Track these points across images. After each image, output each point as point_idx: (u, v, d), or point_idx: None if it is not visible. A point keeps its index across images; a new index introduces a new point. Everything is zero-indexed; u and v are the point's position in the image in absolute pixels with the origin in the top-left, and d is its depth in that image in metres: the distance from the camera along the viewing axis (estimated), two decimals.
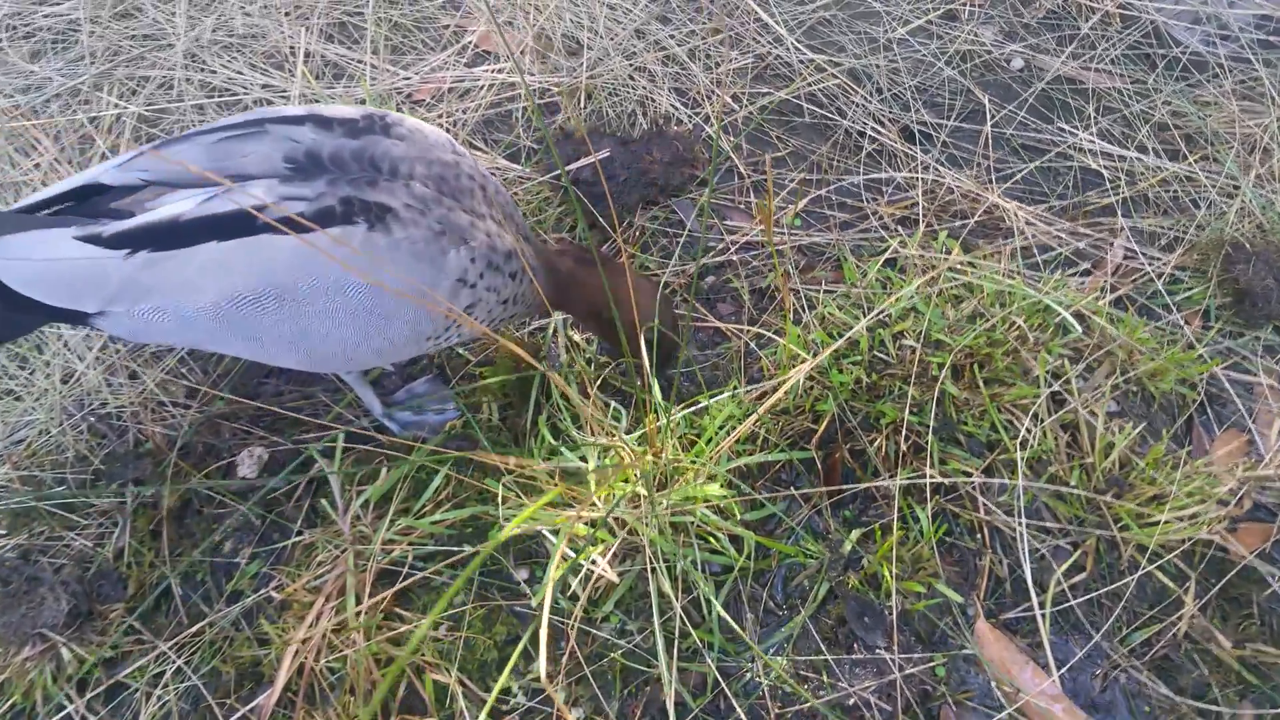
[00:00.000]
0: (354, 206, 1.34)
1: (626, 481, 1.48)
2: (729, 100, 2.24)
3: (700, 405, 1.62)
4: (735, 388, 1.74)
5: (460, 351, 1.85)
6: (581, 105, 2.24)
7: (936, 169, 2.12)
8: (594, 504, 1.48)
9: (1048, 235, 2.01)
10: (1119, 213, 2.07)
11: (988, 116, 2.25)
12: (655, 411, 1.47)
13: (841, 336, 1.71)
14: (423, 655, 1.43)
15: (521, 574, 1.55)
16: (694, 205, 2.10)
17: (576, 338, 1.84)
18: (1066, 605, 1.53)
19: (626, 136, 2.18)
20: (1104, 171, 2.17)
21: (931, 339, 1.69)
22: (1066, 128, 2.25)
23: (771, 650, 1.51)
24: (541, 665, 1.07)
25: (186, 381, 1.79)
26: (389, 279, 1.35)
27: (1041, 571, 1.56)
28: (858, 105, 2.27)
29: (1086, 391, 1.71)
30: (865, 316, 1.74)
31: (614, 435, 1.50)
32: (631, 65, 2.31)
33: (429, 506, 1.59)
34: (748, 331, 1.84)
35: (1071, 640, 1.52)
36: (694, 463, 1.51)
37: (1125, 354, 1.77)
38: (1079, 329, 1.65)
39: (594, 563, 1.48)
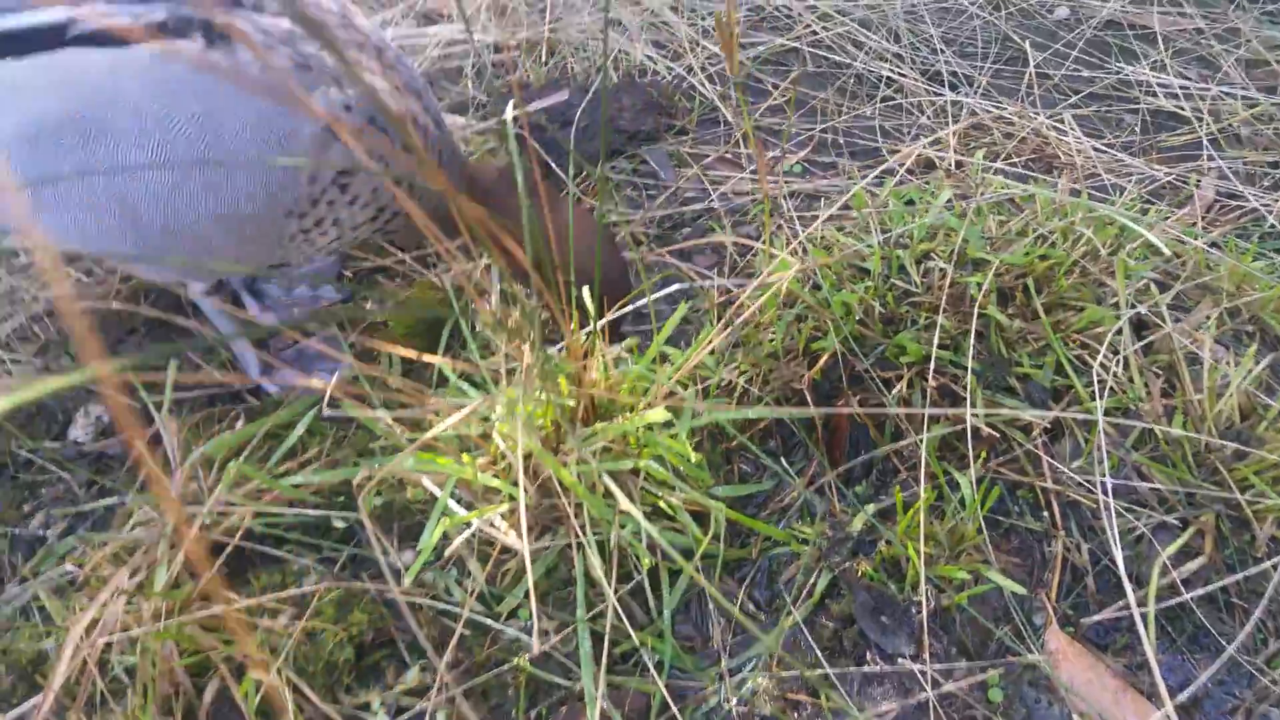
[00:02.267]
0: (192, 24, 1.01)
1: (540, 410, 1.06)
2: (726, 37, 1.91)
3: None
4: (710, 317, 1.33)
5: (369, 306, 1.48)
6: (543, 60, 1.92)
7: (972, 104, 1.74)
8: (498, 448, 1.07)
9: (1115, 169, 1.60)
10: (1205, 150, 1.66)
11: (1030, 60, 1.88)
12: (574, 317, 1.07)
13: (847, 260, 1.30)
14: (243, 650, 1.00)
15: (405, 556, 1.12)
16: (668, 155, 1.74)
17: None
18: (1178, 602, 1.05)
19: (589, 85, 1.84)
20: (1181, 110, 1.77)
21: (967, 259, 1.27)
22: (1130, 68, 1.87)
23: (749, 665, 1.05)
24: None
25: (31, 343, 1.43)
26: (230, 110, 1.00)
27: (1139, 560, 1.09)
28: (870, 50, 1.92)
29: (1182, 325, 1.27)
30: (878, 236, 1.33)
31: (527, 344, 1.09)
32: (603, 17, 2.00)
33: (292, 466, 1.19)
34: (728, 266, 1.44)
35: (1190, 658, 1.04)
36: (634, 389, 1.09)
37: (1233, 286, 1.33)
38: (1165, 250, 1.22)
39: (493, 527, 1.05)
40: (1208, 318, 1.28)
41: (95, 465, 1.26)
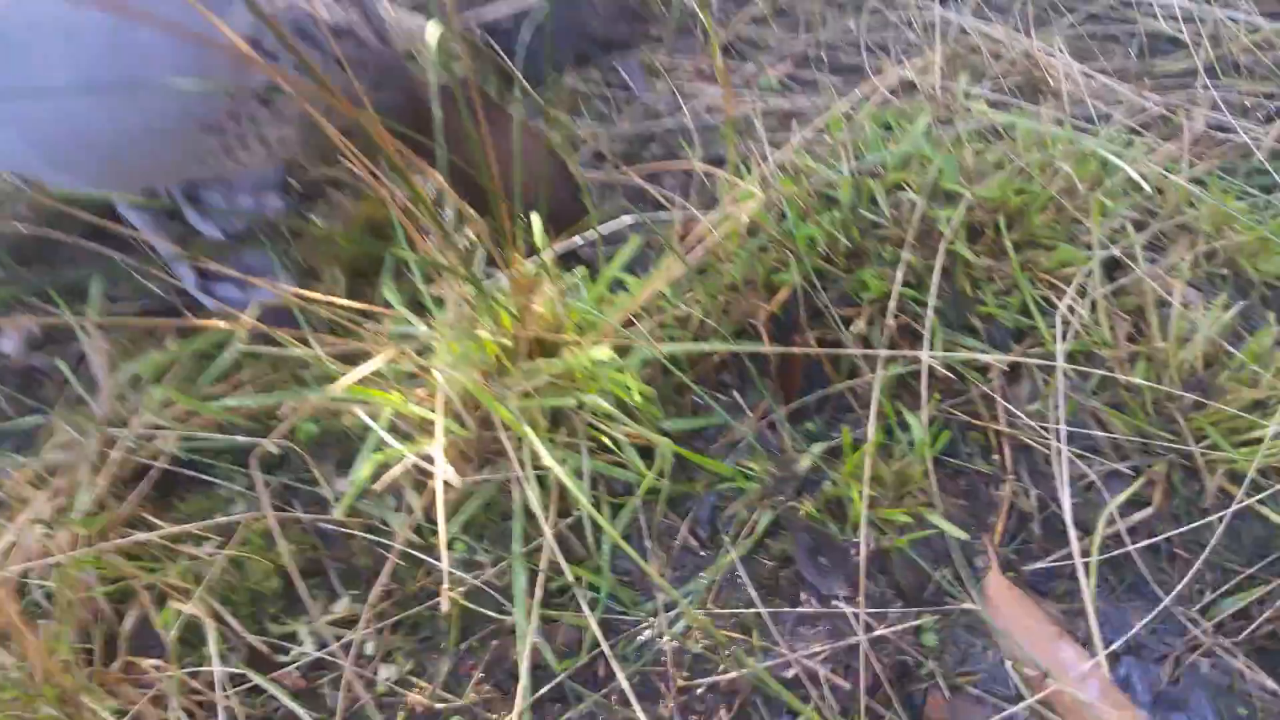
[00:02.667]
0: None
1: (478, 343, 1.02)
2: None
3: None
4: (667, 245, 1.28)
5: (313, 218, 1.42)
6: None
7: (961, 20, 1.65)
8: (435, 376, 1.03)
9: (1104, 97, 1.53)
10: (1201, 78, 1.59)
11: None
12: (518, 240, 1.02)
13: (815, 189, 1.25)
14: (166, 577, 0.98)
15: (340, 484, 1.10)
16: (641, 66, 1.65)
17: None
18: (1122, 552, 1.04)
19: None
20: (1180, 35, 1.68)
21: (940, 192, 1.22)
22: None
23: (685, 601, 1.03)
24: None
25: None
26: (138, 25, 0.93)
27: (1087, 508, 1.07)
28: None
29: (1155, 268, 1.23)
30: (851, 163, 1.27)
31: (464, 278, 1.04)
32: None
33: (224, 388, 1.15)
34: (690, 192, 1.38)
35: (1129, 606, 1.03)
36: (582, 323, 1.05)
37: (1212, 228, 1.28)
38: (1146, 187, 1.17)
39: (428, 461, 1.03)
40: (1182, 259, 1.24)
41: (23, 380, 1.22)
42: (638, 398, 1.07)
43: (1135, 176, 1.12)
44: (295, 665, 0.96)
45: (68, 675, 0.88)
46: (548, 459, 0.92)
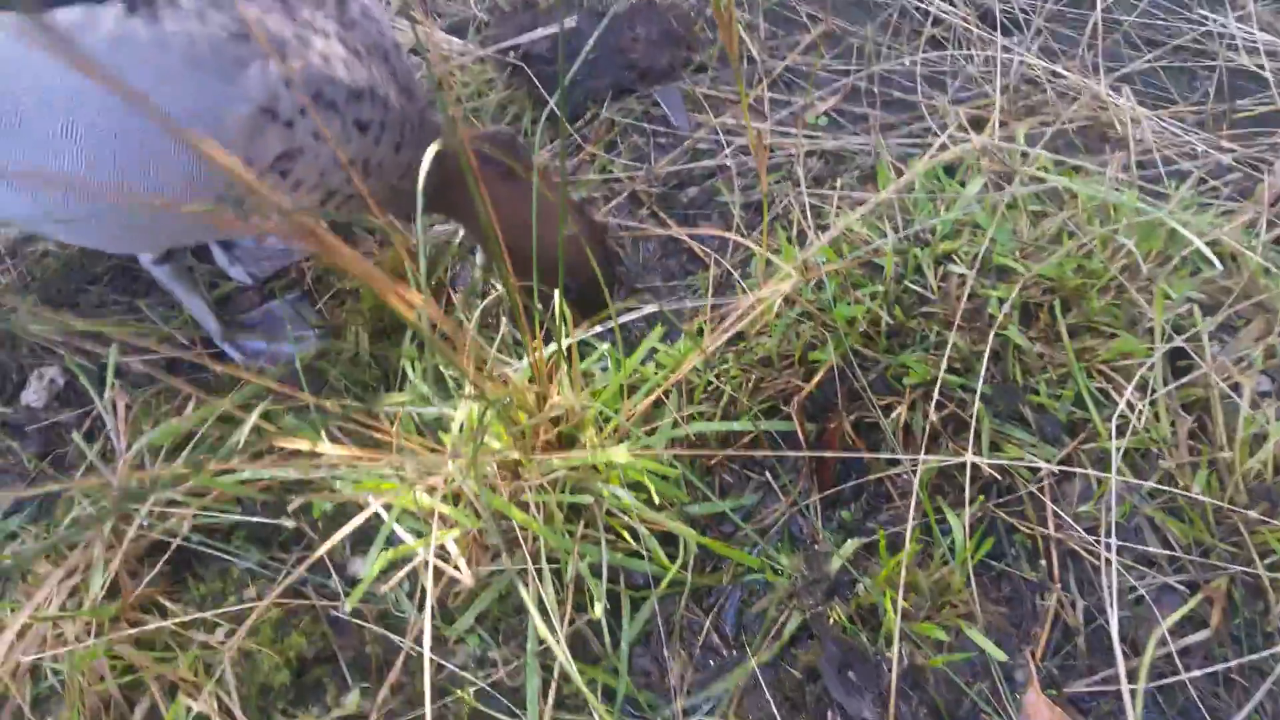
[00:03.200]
0: None
1: (497, 436, 0.98)
2: None
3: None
4: (700, 328, 1.23)
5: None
6: None
7: (1024, 58, 1.55)
8: (450, 469, 0.99)
9: (1176, 148, 1.43)
10: None
11: (1097, 1, 1.67)
12: (545, 333, 0.97)
13: (859, 254, 1.18)
14: (177, 668, 0.96)
15: (355, 565, 1.07)
16: (683, 97, 1.58)
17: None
18: (1173, 680, 0.97)
19: (604, 8, 1.67)
20: (1264, 72, 1.57)
21: (992, 265, 1.14)
22: (1212, 16, 1.65)
23: (705, 709, 0.99)
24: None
25: None
26: (152, 91, 0.89)
27: (1137, 624, 1.00)
28: None
29: (1224, 357, 1.14)
30: (898, 230, 1.20)
31: (493, 373, 1.00)
32: None
33: (237, 462, 1.12)
34: (732, 251, 1.32)
35: None
36: (598, 412, 1.00)
37: None
38: (1218, 265, 1.08)
39: (444, 552, 0.99)
40: (1255, 345, 1.15)
41: (45, 438, 1.20)
42: (664, 480, 1.02)
43: (1206, 252, 1.04)
44: None
45: None
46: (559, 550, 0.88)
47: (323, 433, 0.98)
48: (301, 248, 1.43)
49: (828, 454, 1.07)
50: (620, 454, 0.93)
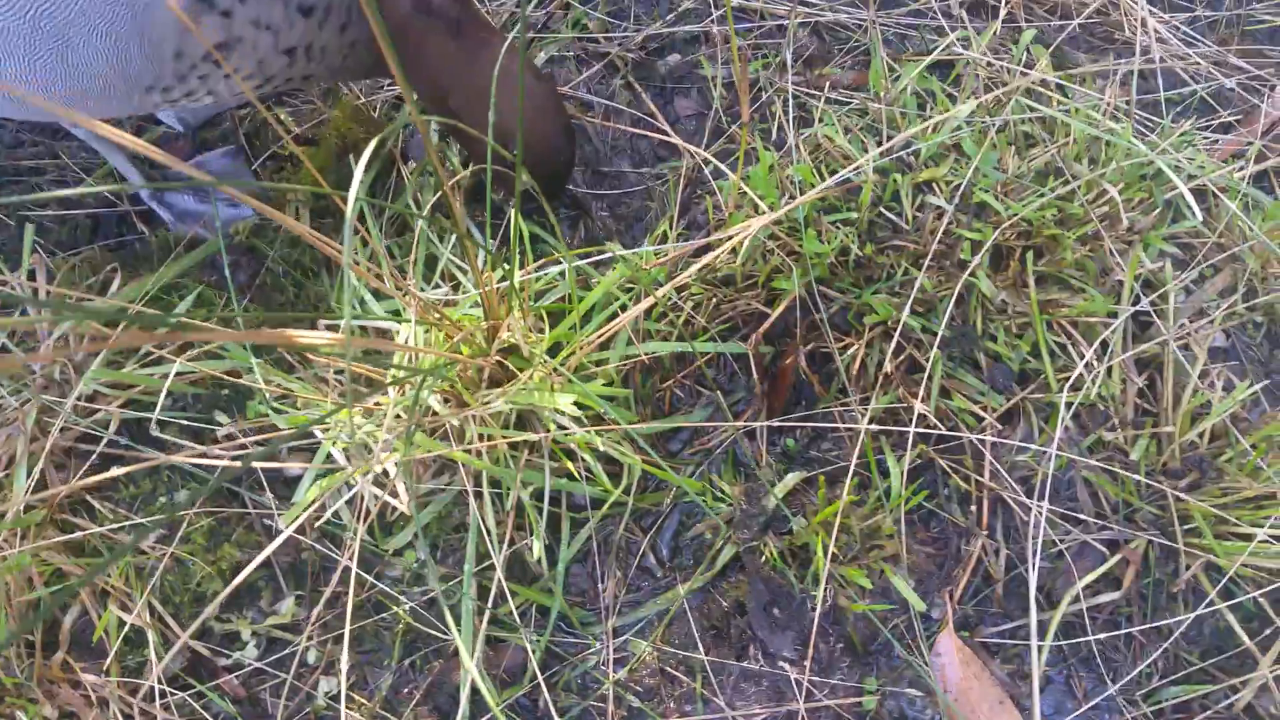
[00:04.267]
0: None
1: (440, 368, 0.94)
2: None
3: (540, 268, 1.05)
4: (664, 234, 1.17)
5: (281, 115, 1.27)
6: None
7: None
8: (393, 382, 0.96)
9: (1183, 62, 1.34)
10: None
11: None
12: (492, 259, 0.92)
13: (835, 175, 1.11)
14: (107, 575, 0.96)
15: (293, 469, 1.05)
16: None
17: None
18: (1080, 637, 1.03)
19: None
20: None
21: (973, 200, 1.09)
22: None
23: (633, 629, 1.03)
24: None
25: None
26: None
27: (1055, 577, 1.05)
28: None
29: (1186, 314, 1.13)
30: (878, 148, 1.13)
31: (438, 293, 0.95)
32: None
33: (167, 351, 1.07)
34: (701, 151, 1.23)
35: (1076, 682, 1.04)
36: (543, 355, 0.97)
37: (1258, 263, 1.16)
38: (1198, 215, 1.03)
39: (385, 475, 0.98)
40: (1217, 298, 1.14)
41: None
42: (613, 402, 1.00)
43: (1190, 201, 1.00)
44: (238, 672, 0.96)
45: (7, 676, 0.88)
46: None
47: (252, 357, 0.93)
48: (245, 214, 1.30)
49: (789, 361, 1.06)
50: (567, 400, 0.91)
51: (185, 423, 1.04)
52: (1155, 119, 1.27)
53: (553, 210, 1.17)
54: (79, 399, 1.00)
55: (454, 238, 1.09)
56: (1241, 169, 1.25)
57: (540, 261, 1.04)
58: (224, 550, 0.97)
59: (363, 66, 1.04)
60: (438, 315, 0.90)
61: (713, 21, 1.36)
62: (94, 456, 1.00)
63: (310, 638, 0.97)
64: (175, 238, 1.16)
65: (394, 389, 0.93)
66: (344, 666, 0.94)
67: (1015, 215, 1.05)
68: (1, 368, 1.01)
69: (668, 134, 1.24)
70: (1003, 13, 1.31)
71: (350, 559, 0.97)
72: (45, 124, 1.25)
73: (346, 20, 0.96)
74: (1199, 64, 1.32)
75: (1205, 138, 1.28)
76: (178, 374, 1.02)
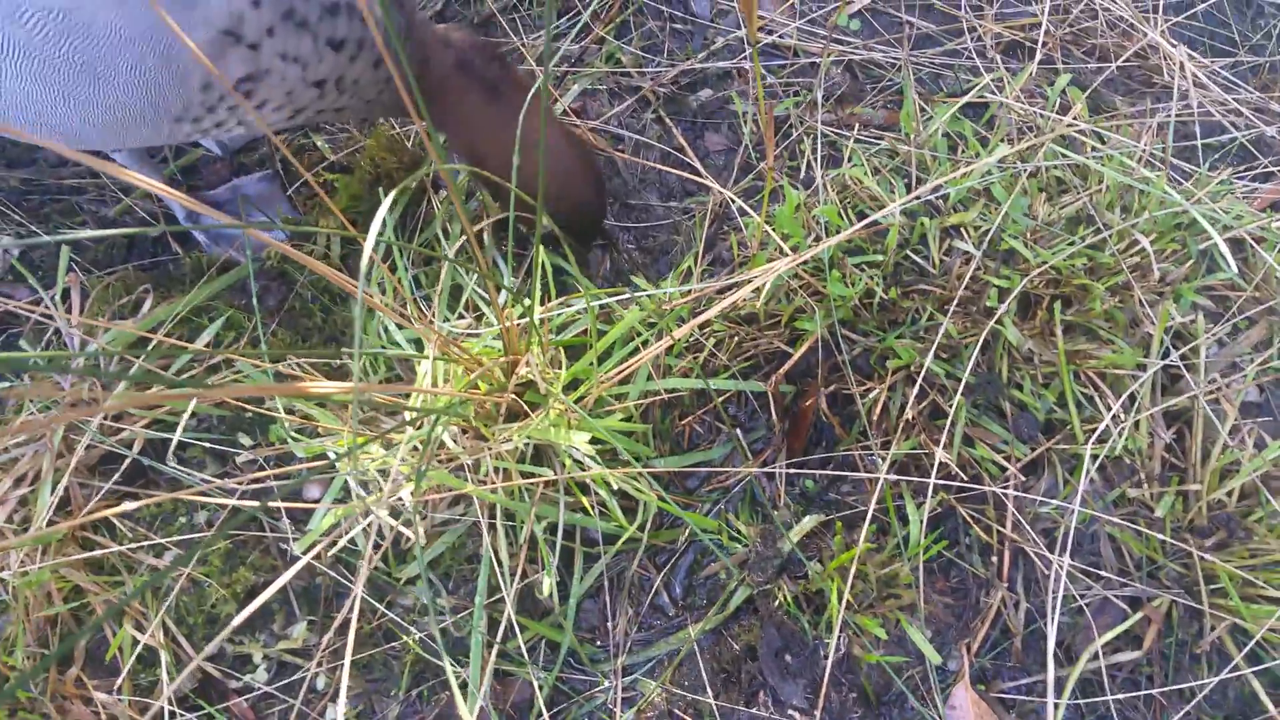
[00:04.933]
0: None
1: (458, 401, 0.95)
2: None
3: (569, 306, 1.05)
4: (689, 270, 1.17)
5: (318, 143, 1.29)
6: None
7: None
8: (411, 420, 0.96)
9: (1221, 108, 1.32)
10: None
11: None
12: (514, 296, 0.92)
13: (863, 219, 1.11)
14: (123, 594, 0.97)
15: (312, 492, 1.06)
16: None
17: None
18: (1099, 696, 1.00)
19: None
20: None
21: (1002, 246, 1.08)
22: None
23: (643, 669, 1.02)
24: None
25: None
26: (99, 10, 0.79)
27: (1075, 632, 1.03)
28: None
29: (1218, 367, 1.11)
30: (908, 193, 1.13)
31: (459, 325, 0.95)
32: None
33: (198, 370, 1.09)
34: (724, 190, 1.23)
35: None
36: (559, 393, 0.97)
37: None
38: (1233, 268, 1.01)
39: (400, 504, 0.99)
40: (1250, 352, 1.11)
41: None
42: (630, 439, 1.00)
43: (1225, 252, 0.98)
44: (247, 695, 0.97)
45: (22, 691, 0.90)
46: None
47: (273, 378, 0.94)
48: (277, 238, 1.32)
49: (809, 403, 1.05)
50: (582, 438, 0.91)
51: (208, 445, 1.05)
52: (1192, 166, 1.25)
53: (584, 250, 1.18)
54: (104, 419, 1.02)
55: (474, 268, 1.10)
56: (1277, 219, 1.23)
57: (562, 298, 1.05)
58: (239, 573, 0.98)
59: (400, 104, 1.05)
60: (458, 349, 0.90)
61: (745, 58, 1.36)
62: (117, 475, 1.02)
63: (320, 664, 0.98)
64: (209, 260, 1.18)
65: (412, 427, 0.94)
66: (342, 690, 0.94)
67: (1044, 263, 1.04)
68: (35, 391, 1.03)
69: (697, 170, 1.25)
70: (1039, 54, 1.29)
71: (361, 587, 0.97)
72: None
73: (381, 56, 0.97)
74: (1239, 110, 1.30)
75: (1244, 186, 1.25)
76: (201, 396, 1.03)
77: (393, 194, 0.65)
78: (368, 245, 0.57)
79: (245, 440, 1.07)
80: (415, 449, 0.96)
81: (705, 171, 1.26)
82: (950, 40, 1.39)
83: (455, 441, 0.93)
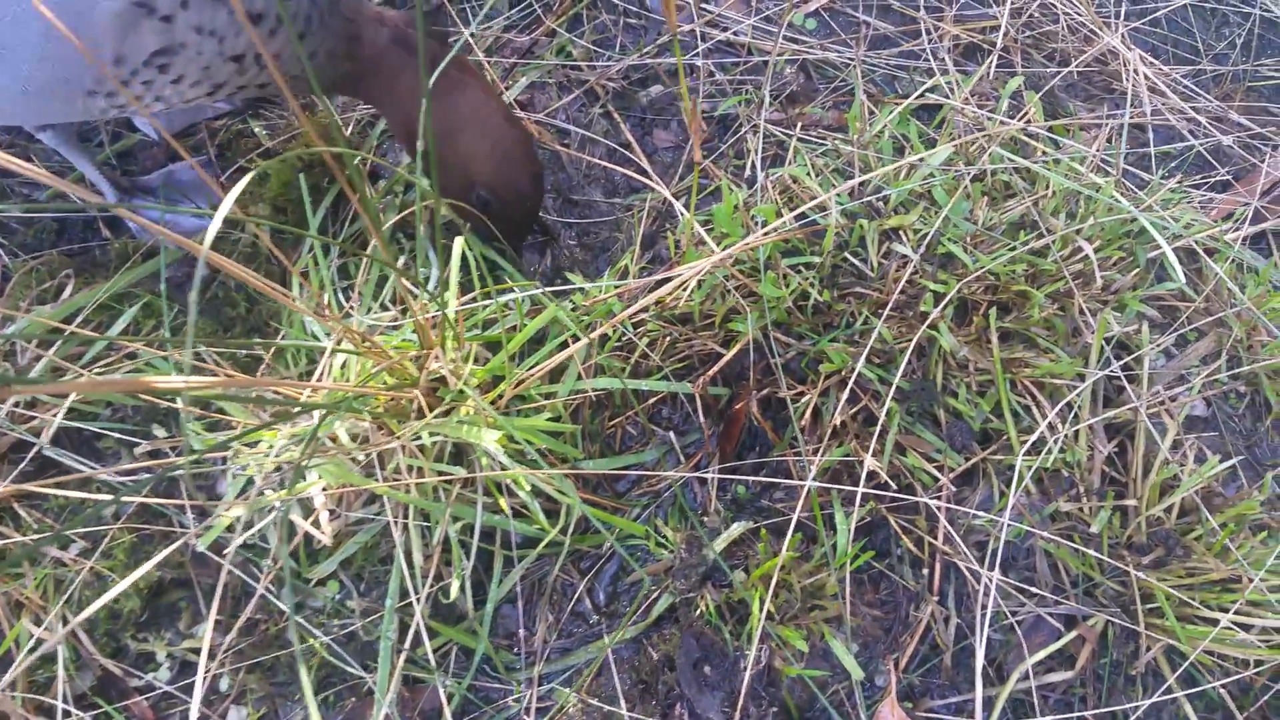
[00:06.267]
0: None
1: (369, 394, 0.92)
2: None
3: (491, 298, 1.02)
4: (626, 268, 1.14)
5: (256, 128, 1.26)
6: None
7: None
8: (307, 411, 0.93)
9: (1179, 115, 1.29)
10: None
11: None
12: (424, 289, 0.89)
13: (798, 216, 1.08)
14: (23, 587, 0.94)
15: (222, 485, 1.03)
16: None
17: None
18: (1030, 717, 0.97)
19: None
20: None
21: (940, 250, 1.05)
22: None
23: (560, 678, 0.99)
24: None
25: None
26: None
27: (1006, 650, 1.00)
28: None
29: (1164, 379, 1.08)
30: (851, 195, 1.10)
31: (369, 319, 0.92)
32: None
33: (115, 357, 1.06)
34: (664, 189, 1.21)
35: None
36: (468, 390, 0.94)
37: (1244, 330, 1.11)
38: (1181, 277, 0.98)
39: (308, 501, 0.96)
40: (1199, 363, 1.08)
41: None
42: (555, 438, 0.97)
43: (1173, 260, 0.95)
44: (147, 694, 0.94)
45: None
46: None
47: (175, 373, 0.91)
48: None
49: (740, 406, 1.02)
50: (491, 437, 0.87)
51: (118, 436, 1.02)
52: (1148, 174, 1.23)
53: (518, 242, 1.15)
54: (15, 405, 0.99)
55: (405, 259, 1.07)
56: (1236, 229, 1.20)
57: (472, 293, 1.02)
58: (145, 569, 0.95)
59: (329, 81, 1.02)
60: (368, 342, 0.87)
61: (697, 55, 1.33)
62: (24, 463, 0.99)
63: (224, 664, 0.95)
64: (135, 246, 1.16)
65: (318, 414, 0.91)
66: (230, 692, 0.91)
67: (982, 268, 1.01)
68: None
69: (644, 167, 1.22)
70: (994, 58, 1.27)
71: (265, 586, 0.94)
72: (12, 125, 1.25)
73: (304, 30, 0.94)
74: (1196, 119, 1.27)
75: (1201, 196, 1.23)
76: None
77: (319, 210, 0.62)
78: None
79: (161, 432, 1.04)
80: (297, 443, 0.93)
81: (651, 168, 1.24)
82: (907, 41, 1.36)
83: (356, 438, 0.91)
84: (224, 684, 0.96)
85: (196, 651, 0.96)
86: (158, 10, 0.84)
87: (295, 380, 0.96)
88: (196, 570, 0.99)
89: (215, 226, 0.53)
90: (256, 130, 1.26)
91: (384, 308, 1.06)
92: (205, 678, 0.94)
